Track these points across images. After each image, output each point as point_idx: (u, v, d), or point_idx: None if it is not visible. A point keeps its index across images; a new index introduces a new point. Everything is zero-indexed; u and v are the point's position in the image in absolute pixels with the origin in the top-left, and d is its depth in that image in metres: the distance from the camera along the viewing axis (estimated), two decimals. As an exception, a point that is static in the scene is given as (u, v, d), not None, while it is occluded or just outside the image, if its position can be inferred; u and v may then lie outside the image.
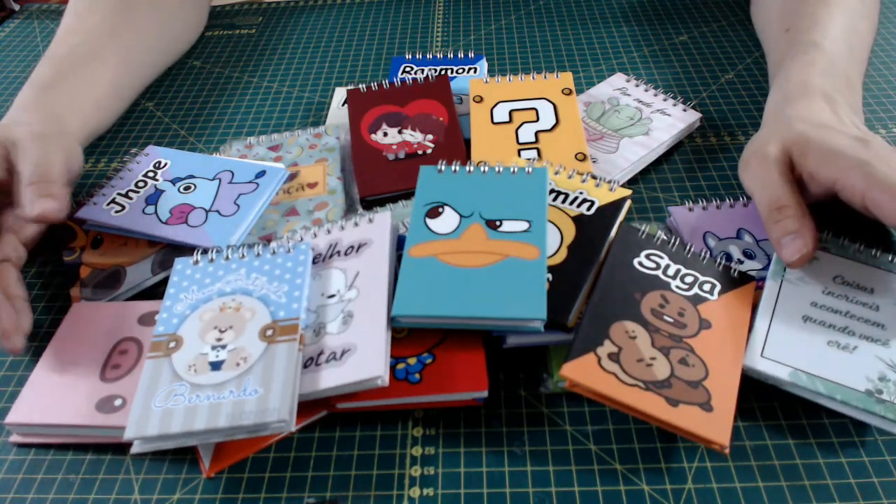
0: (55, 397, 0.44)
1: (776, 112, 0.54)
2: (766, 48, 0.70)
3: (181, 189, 0.56)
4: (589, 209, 0.50)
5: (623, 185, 0.54)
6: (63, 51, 0.67)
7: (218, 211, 0.54)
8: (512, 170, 0.51)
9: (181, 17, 0.81)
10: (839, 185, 0.45)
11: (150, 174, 0.58)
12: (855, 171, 0.44)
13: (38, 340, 0.51)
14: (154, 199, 0.56)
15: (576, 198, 0.51)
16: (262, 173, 0.57)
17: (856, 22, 0.62)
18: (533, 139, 0.59)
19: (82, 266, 0.54)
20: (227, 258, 0.48)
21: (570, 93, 0.63)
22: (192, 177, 0.57)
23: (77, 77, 0.64)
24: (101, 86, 0.67)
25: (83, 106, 0.64)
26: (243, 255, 0.48)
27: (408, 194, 0.56)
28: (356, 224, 0.51)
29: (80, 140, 0.62)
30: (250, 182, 0.56)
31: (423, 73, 0.71)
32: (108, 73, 0.68)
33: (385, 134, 0.62)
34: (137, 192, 0.56)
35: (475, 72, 0.70)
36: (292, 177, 0.59)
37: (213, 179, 0.57)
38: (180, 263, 0.49)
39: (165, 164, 0.59)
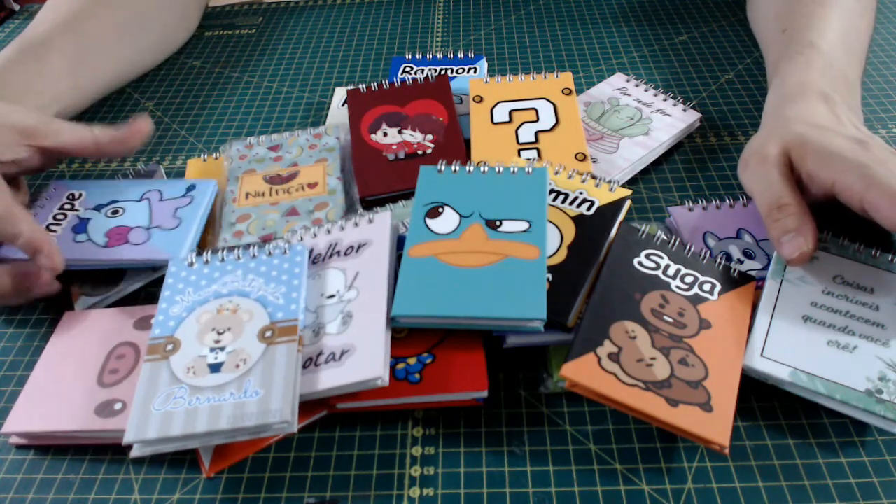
0: (53, 404, 0.44)
1: (775, 113, 0.53)
2: (763, 49, 0.70)
3: (108, 214, 0.54)
4: (589, 209, 0.50)
5: (623, 185, 0.54)
6: (19, 40, 0.66)
7: (159, 226, 0.53)
8: (512, 170, 0.51)
9: (166, 14, 0.81)
10: (837, 187, 0.45)
11: (67, 206, 0.56)
12: (853, 174, 0.44)
13: (38, 340, 0.51)
14: (81, 227, 0.54)
15: (576, 198, 0.51)
16: (192, 187, 0.57)
17: (853, 20, 0.61)
18: (533, 139, 0.59)
19: (82, 264, 0.54)
20: (223, 260, 0.48)
21: (570, 93, 0.63)
22: (115, 202, 0.56)
23: (24, 68, 0.64)
24: (52, 76, 0.66)
25: (25, 95, 0.63)
26: (239, 257, 0.48)
27: (408, 194, 0.56)
28: (356, 224, 0.51)
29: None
30: (183, 196, 0.56)
31: (423, 73, 0.71)
32: (62, 63, 0.67)
33: (385, 134, 0.62)
34: (59, 225, 0.54)
35: (475, 72, 0.70)
36: (292, 176, 0.59)
37: (141, 200, 0.56)
38: (174, 266, 0.48)
39: (80, 195, 0.57)
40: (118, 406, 0.43)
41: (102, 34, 0.72)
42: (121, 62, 0.76)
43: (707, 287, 0.46)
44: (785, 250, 0.45)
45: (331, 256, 0.49)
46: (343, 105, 0.69)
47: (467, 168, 0.52)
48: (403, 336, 0.46)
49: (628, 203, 0.51)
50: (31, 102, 0.62)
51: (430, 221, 0.49)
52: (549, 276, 0.46)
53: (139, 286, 0.53)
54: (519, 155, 0.58)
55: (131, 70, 0.78)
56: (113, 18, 0.73)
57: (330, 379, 0.42)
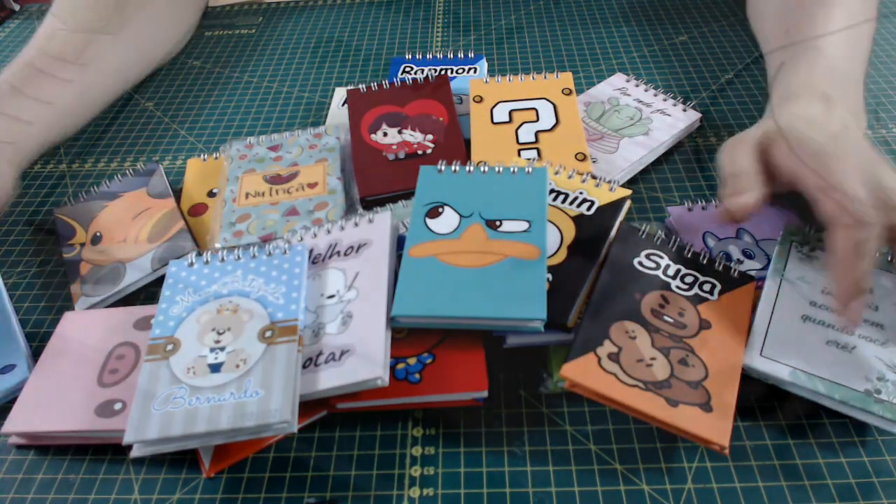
0: (53, 404, 0.44)
1: (773, 110, 0.54)
2: (764, 50, 0.69)
3: None
4: (589, 209, 0.50)
5: (623, 185, 0.54)
6: (35, 55, 0.67)
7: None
8: (512, 170, 0.51)
9: (171, 17, 0.81)
10: (797, 174, 0.46)
11: None
12: (810, 162, 0.45)
13: (38, 341, 0.51)
14: None
15: (576, 198, 0.51)
16: None
17: (854, 21, 0.61)
18: (533, 139, 0.59)
19: (82, 262, 0.54)
20: (223, 260, 0.48)
21: (570, 93, 0.63)
22: None
23: (43, 85, 0.64)
24: (69, 94, 0.67)
25: (46, 116, 0.64)
26: (239, 257, 0.48)
27: (408, 194, 0.56)
28: (356, 224, 0.51)
29: (30, 155, 0.63)
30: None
31: (423, 73, 0.71)
32: (80, 80, 0.67)
33: (385, 134, 0.62)
34: None
35: (475, 72, 0.70)
36: (292, 176, 0.59)
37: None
38: (174, 266, 0.48)
39: None
40: (118, 406, 0.43)
41: (115, 48, 0.72)
42: (132, 72, 0.76)
43: (707, 287, 0.46)
44: (729, 206, 0.46)
45: (331, 256, 0.49)
46: (343, 105, 0.69)
47: (467, 168, 0.52)
48: (403, 336, 0.46)
49: (628, 203, 0.51)
50: (39, 122, 0.63)
51: (430, 221, 0.49)
52: (549, 276, 0.46)
53: (139, 286, 0.53)
54: (519, 155, 0.58)
55: (136, 73, 0.78)
56: (128, 30, 0.73)
57: (330, 379, 0.42)
